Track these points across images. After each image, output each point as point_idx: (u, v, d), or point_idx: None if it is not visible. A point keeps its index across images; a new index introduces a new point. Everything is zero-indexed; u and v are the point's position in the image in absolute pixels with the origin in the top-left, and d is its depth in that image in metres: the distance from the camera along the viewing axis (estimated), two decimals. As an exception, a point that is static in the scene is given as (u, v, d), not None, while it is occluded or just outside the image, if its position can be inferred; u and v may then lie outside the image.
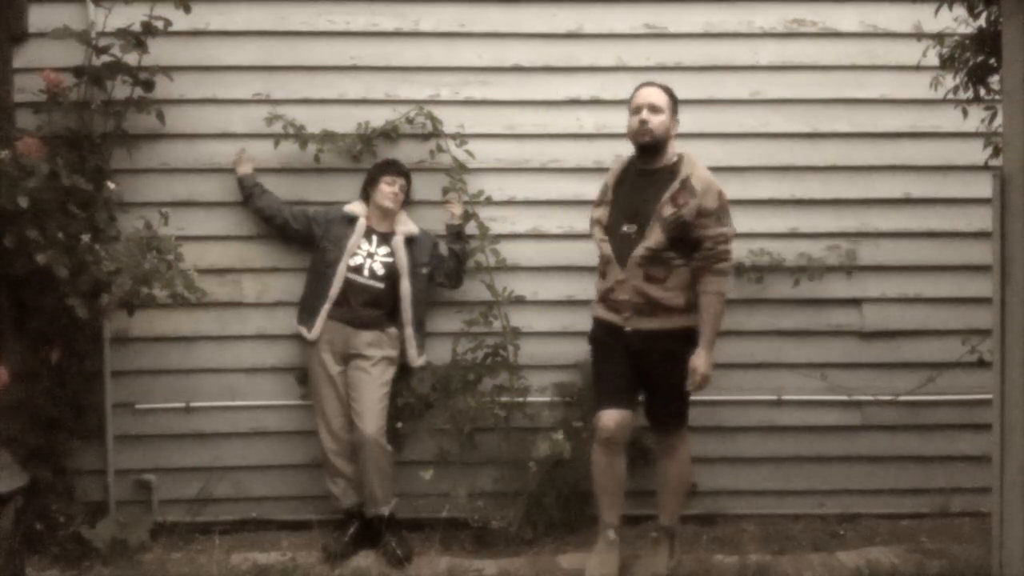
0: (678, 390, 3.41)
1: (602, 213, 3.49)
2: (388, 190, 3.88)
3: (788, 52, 4.10)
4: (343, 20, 4.04)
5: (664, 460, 3.58)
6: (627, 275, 3.34)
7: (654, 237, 3.31)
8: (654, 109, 3.40)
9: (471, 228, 3.99)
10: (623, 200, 3.44)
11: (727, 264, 3.42)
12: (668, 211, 3.30)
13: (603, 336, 3.48)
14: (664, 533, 3.58)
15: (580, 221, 3.87)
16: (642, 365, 3.41)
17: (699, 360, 3.33)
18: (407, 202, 3.98)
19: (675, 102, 3.49)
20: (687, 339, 3.36)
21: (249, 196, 3.95)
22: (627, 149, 3.59)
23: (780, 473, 4.14)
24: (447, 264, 3.98)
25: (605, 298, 3.45)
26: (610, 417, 3.39)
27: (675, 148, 3.49)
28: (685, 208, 3.30)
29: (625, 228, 3.39)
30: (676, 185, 3.34)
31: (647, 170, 3.45)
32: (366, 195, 3.95)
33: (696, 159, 3.45)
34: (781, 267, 4.06)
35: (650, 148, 3.42)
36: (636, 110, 3.43)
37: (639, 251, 3.32)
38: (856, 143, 4.11)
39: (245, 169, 3.96)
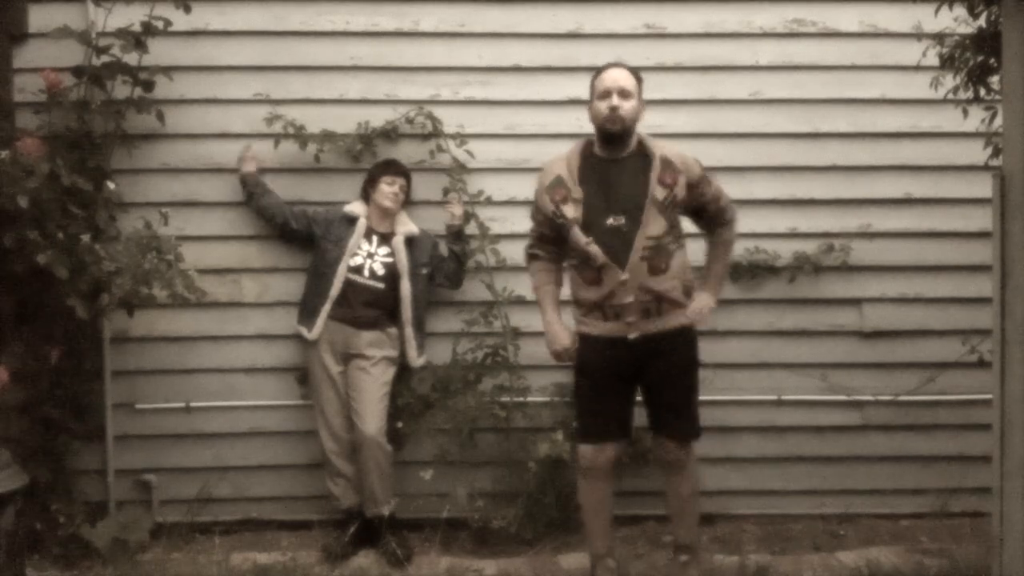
0: (688, 397, 3.24)
1: (573, 211, 3.13)
2: (388, 190, 3.88)
3: (788, 52, 4.09)
4: (343, 20, 4.04)
5: (675, 478, 3.30)
6: (630, 274, 3.06)
7: (654, 224, 3.08)
8: (624, 94, 3.14)
9: (471, 228, 3.99)
10: (597, 193, 3.13)
11: (734, 215, 3.34)
12: (661, 193, 3.10)
13: (596, 360, 3.19)
14: (691, 553, 3.37)
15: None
16: (647, 375, 3.19)
17: (704, 296, 3.23)
18: (407, 202, 3.97)
19: (642, 84, 3.24)
20: (688, 342, 3.22)
21: (252, 195, 3.95)
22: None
23: (780, 473, 4.13)
24: (447, 264, 3.98)
25: (601, 307, 3.13)
26: (593, 452, 3.22)
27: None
28: (676, 186, 3.13)
29: (611, 221, 3.08)
30: (658, 165, 3.12)
31: (615, 159, 3.19)
32: (366, 195, 3.94)
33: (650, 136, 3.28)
34: (781, 267, 4.07)
35: (618, 136, 3.16)
36: (604, 94, 3.16)
37: (641, 243, 3.06)
38: (856, 143, 4.11)
39: (249, 168, 3.96)
